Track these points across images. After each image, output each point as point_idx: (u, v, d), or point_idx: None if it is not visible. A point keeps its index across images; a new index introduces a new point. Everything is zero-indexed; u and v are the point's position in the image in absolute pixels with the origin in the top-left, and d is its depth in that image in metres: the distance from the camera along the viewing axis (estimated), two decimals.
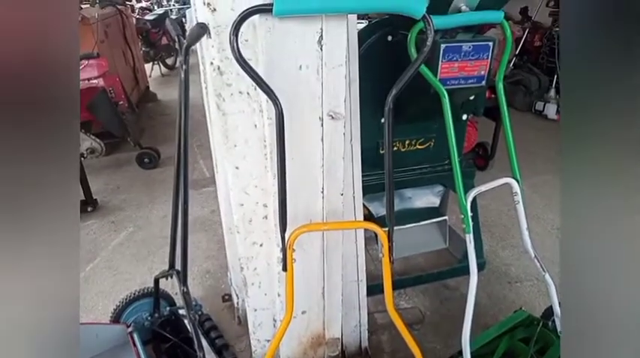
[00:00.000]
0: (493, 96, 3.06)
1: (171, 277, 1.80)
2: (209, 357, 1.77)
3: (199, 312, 2.15)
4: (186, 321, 1.98)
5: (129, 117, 4.13)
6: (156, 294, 1.96)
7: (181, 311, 2.04)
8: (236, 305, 2.19)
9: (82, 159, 3.89)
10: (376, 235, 2.18)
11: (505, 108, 1.71)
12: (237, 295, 2.17)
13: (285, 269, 1.39)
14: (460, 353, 1.76)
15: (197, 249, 2.86)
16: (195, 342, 1.59)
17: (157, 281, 1.92)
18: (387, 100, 1.22)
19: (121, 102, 4.10)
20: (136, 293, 2.01)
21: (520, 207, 1.72)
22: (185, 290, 1.66)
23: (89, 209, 3.39)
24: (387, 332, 2.16)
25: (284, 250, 1.38)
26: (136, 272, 2.68)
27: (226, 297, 2.33)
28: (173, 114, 5.47)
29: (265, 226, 1.57)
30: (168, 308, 2.06)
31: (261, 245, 1.61)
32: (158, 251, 2.84)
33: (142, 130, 4.98)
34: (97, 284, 2.59)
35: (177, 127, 1.44)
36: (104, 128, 4.05)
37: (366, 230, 1.88)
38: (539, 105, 5.30)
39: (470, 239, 1.59)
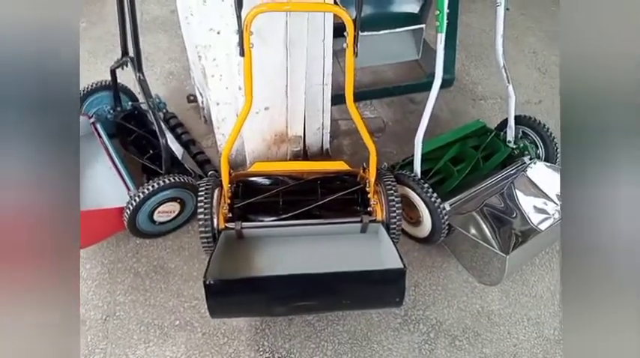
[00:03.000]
0: None
1: (126, 65, 1.71)
2: (174, 148, 1.82)
3: (164, 110, 2.15)
4: (149, 115, 1.98)
5: None
6: (114, 86, 1.90)
7: (144, 107, 2.02)
8: (201, 104, 2.18)
9: None
10: None
11: None
12: (201, 94, 2.13)
13: (242, 54, 1.31)
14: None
15: (158, 49, 2.68)
16: (157, 128, 1.61)
17: (113, 71, 1.83)
18: None
19: None
20: (94, 84, 1.94)
21: (500, 10, 1.61)
22: (141, 77, 1.61)
23: None
24: (348, 137, 2.26)
25: (240, 32, 1.28)
26: (95, 69, 2.55)
27: (191, 98, 2.30)
28: None
29: (221, 9, 1.42)
30: (130, 103, 2.03)
31: (218, 32, 1.49)
32: (116, 49, 2.63)
33: None
34: None
35: None
36: None
37: (335, 39, 1.74)
38: None
39: (441, 39, 1.51)
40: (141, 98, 2.06)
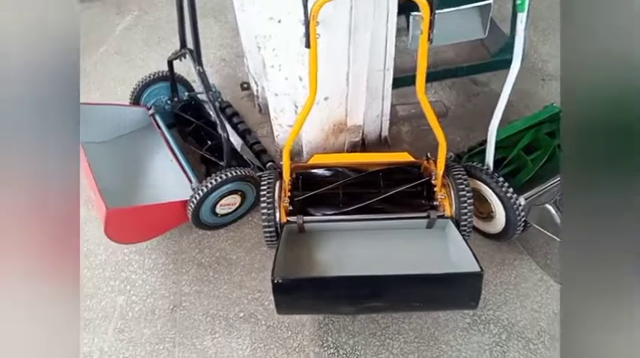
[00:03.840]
0: None
1: (184, 57, 1.69)
2: (233, 139, 1.81)
3: (219, 99, 2.12)
4: (206, 106, 1.97)
5: None
6: (172, 77, 1.89)
7: (200, 97, 2.01)
8: (255, 92, 2.14)
9: None
10: (408, 24, 1.93)
11: None
12: (255, 82, 2.09)
13: (308, 45, 1.24)
14: (481, 144, 1.76)
15: (208, 35, 2.65)
16: (218, 122, 1.59)
17: (170, 62, 1.82)
18: None
19: None
20: (152, 76, 1.94)
21: None
22: (201, 69, 1.58)
23: None
24: (407, 123, 2.15)
25: (307, 23, 1.20)
26: (148, 58, 2.56)
27: (245, 85, 2.26)
28: None
29: None
30: (186, 94, 2.02)
31: (279, 21, 1.42)
32: (169, 37, 2.65)
33: None
34: (110, 70, 2.52)
35: None
36: None
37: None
38: None
39: (522, 19, 1.36)
40: (196, 88, 2.05)
